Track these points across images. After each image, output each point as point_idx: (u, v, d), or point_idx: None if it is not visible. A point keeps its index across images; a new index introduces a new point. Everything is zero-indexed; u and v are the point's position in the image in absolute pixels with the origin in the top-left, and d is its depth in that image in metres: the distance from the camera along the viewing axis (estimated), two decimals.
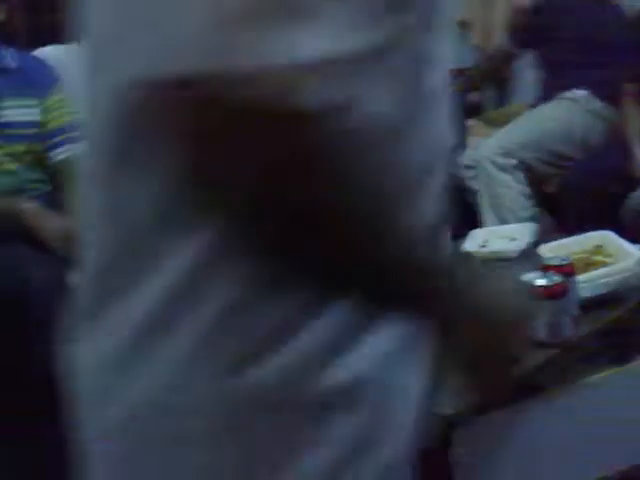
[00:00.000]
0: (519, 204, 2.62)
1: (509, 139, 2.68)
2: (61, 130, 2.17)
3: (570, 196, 2.55)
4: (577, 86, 2.72)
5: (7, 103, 2.09)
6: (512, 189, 2.64)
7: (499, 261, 1.91)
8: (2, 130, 2.07)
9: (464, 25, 3.84)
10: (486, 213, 2.68)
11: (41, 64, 2.24)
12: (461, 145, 2.94)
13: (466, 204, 2.72)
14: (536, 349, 1.40)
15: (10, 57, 2.14)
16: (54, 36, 2.45)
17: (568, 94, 2.74)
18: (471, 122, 3.17)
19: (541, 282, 1.42)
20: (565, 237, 2.02)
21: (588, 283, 1.53)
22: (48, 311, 1.85)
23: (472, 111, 3.38)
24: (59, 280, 1.96)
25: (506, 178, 2.65)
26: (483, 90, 3.69)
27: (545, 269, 1.49)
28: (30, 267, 1.92)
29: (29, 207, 2.04)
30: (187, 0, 0.44)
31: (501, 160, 2.65)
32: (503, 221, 2.53)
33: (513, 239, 2.03)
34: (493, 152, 2.66)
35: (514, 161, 2.65)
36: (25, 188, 2.12)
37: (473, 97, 3.53)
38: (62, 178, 2.16)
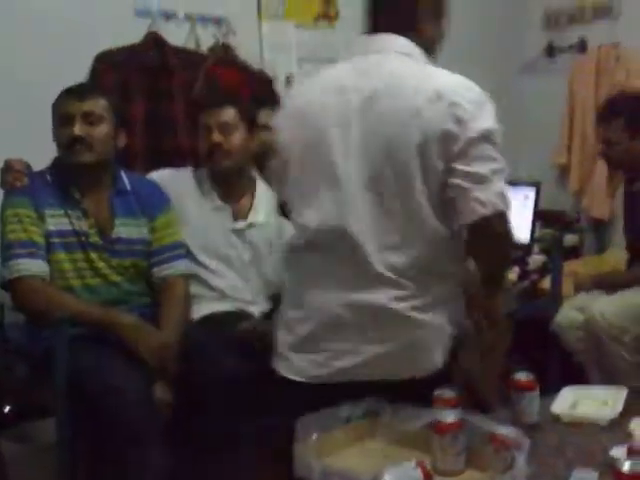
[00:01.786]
0: (632, 374, 2.51)
1: (623, 316, 2.57)
2: (166, 248, 2.30)
3: None
4: None
5: (120, 221, 2.24)
6: (624, 360, 2.56)
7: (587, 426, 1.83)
8: (113, 245, 2.21)
9: (563, 169, 3.84)
10: (592, 373, 2.61)
11: (153, 187, 2.38)
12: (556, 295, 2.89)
13: (562, 359, 2.66)
14: None
15: (126, 180, 2.30)
16: (170, 160, 2.63)
17: None
18: (569, 264, 3.12)
19: (625, 467, 1.34)
20: None
21: None
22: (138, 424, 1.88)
23: (570, 253, 3.34)
24: (147, 394, 2.01)
25: (618, 349, 2.56)
26: (582, 233, 3.66)
27: (632, 450, 1.42)
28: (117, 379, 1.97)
29: (128, 319, 2.13)
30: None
31: (615, 332, 2.56)
32: (611, 382, 2.38)
33: (605, 403, 1.93)
34: (607, 323, 2.57)
35: (628, 336, 2.56)
36: (126, 299, 2.24)
37: (572, 239, 3.49)
38: (163, 293, 2.27)
